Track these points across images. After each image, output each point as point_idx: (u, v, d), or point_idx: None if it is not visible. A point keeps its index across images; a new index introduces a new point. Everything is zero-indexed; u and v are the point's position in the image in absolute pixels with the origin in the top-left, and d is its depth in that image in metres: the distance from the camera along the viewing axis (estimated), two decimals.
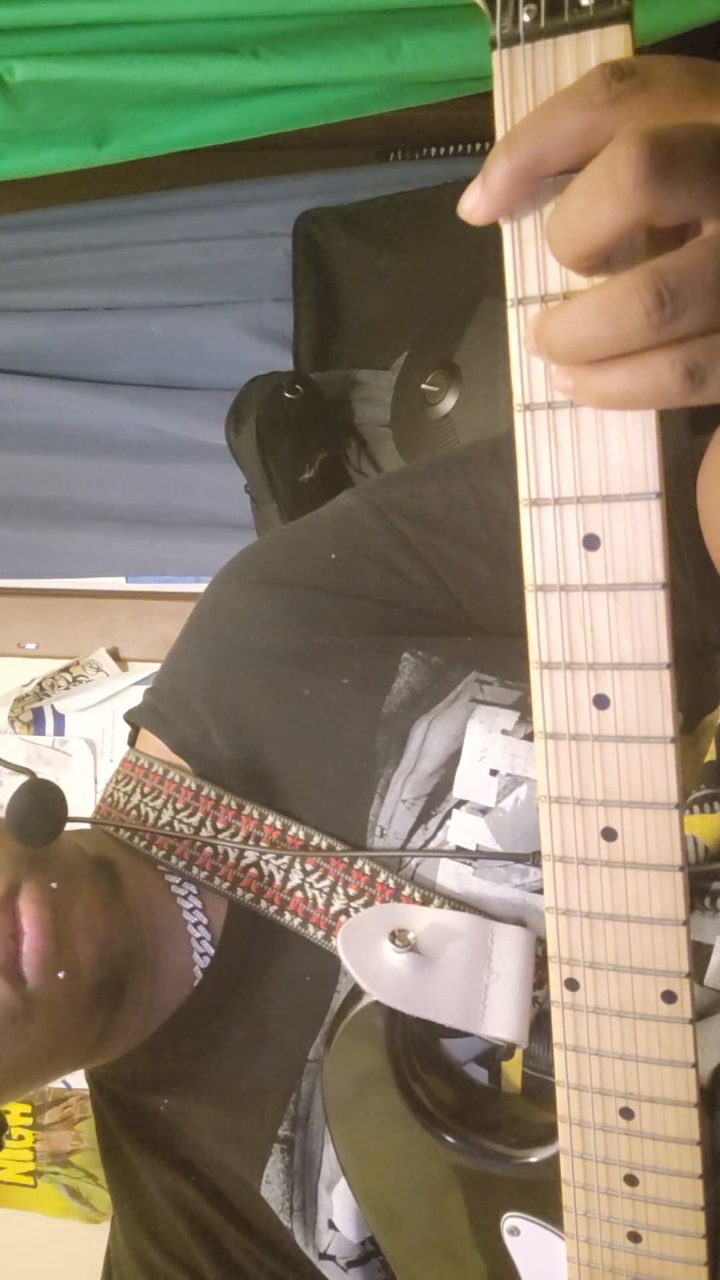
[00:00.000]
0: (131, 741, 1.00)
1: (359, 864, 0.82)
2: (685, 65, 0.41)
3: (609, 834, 0.52)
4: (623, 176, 0.39)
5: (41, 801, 0.81)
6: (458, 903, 0.79)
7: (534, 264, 0.46)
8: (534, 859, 0.76)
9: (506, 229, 0.46)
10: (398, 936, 0.70)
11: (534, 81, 0.44)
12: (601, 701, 0.50)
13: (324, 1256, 0.83)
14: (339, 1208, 0.82)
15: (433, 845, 0.81)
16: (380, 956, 0.70)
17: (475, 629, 0.90)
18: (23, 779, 0.82)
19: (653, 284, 0.40)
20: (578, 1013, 0.58)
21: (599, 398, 0.44)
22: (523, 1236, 0.72)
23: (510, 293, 0.46)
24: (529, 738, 0.79)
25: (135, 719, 0.98)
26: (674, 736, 0.49)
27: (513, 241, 0.46)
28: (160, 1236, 0.89)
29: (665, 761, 0.50)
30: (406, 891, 0.80)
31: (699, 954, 0.72)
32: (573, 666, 0.50)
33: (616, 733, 0.50)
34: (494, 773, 0.79)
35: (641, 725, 0.49)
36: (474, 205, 0.45)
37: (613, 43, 0.42)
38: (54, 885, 0.80)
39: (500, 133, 0.45)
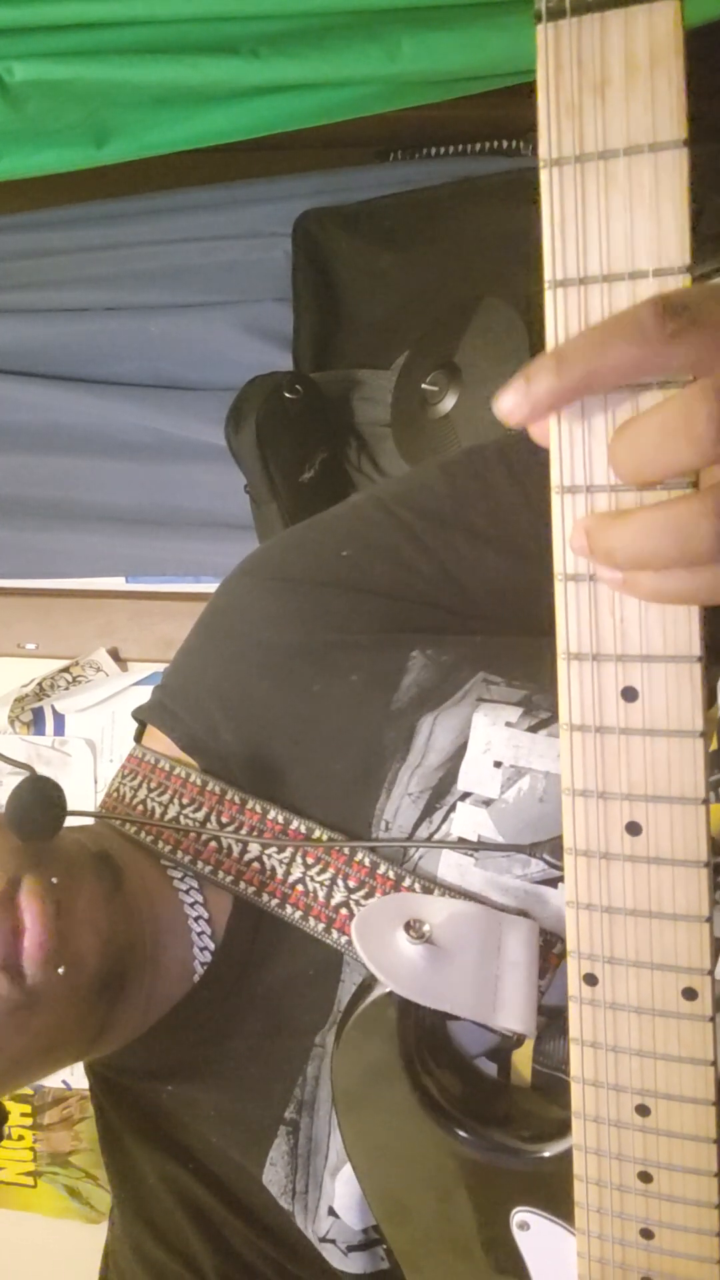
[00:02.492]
0: (138, 737, 1.00)
1: (359, 856, 0.83)
2: None
3: (633, 828, 0.52)
4: (703, 430, 0.41)
5: (42, 797, 0.80)
6: (458, 895, 0.79)
7: (575, 247, 0.45)
8: (534, 850, 0.77)
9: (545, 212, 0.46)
10: (412, 927, 0.70)
11: (579, 57, 0.43)
12: (630, 694, 0.50)
13: (324, 1240, 0.83)
14: (341, 1194, 0.82)
15: (436, 838, 0.81)
16: (395, 948, 0.70)
17: (485, 624, 0.91)
18: (20, 780, 0.82)
19: None
20: (596, 1008, 0.58)
21: (653, 595, 0.46)
22: (533, 1231, 0.72)
23: (549, 274, 0.46)
24: (532, 729, 0.80)
25: (144, 716, 0.98)
26: (703, 730, 0.49)
27: (553, 225, 0.46)
28: (158, 1226, 0.89)
29: (694, 756, 0.49)
30: (407, 883, 0.80)
31: (714, 946, 0.72)
32: (600, 658, 0.50)
33: (644, 726, 0.50)
34: (498, 764, 0.80)
35: (670, 719, 0.49)
36: (513, 408, 0.45)
37: (661, 18, 0.42)
38: (55, 880, 0.80)
39: (543, 107, 0.44)
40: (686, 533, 0.42)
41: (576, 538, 0.47)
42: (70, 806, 0.82)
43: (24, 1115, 2.06)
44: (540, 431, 0.48)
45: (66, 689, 1.97)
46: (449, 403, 1.55)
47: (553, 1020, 0.75)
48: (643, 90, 0.43)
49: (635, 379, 0.44)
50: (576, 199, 0.45)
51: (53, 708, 1.97)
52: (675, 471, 0.44)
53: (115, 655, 2.00)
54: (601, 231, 0.45)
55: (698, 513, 0.42)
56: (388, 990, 0.71)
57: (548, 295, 0.46)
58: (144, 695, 1.01)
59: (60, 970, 0.77)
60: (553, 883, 0.77)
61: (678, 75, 0.42)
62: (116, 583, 1.99)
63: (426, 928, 0.70)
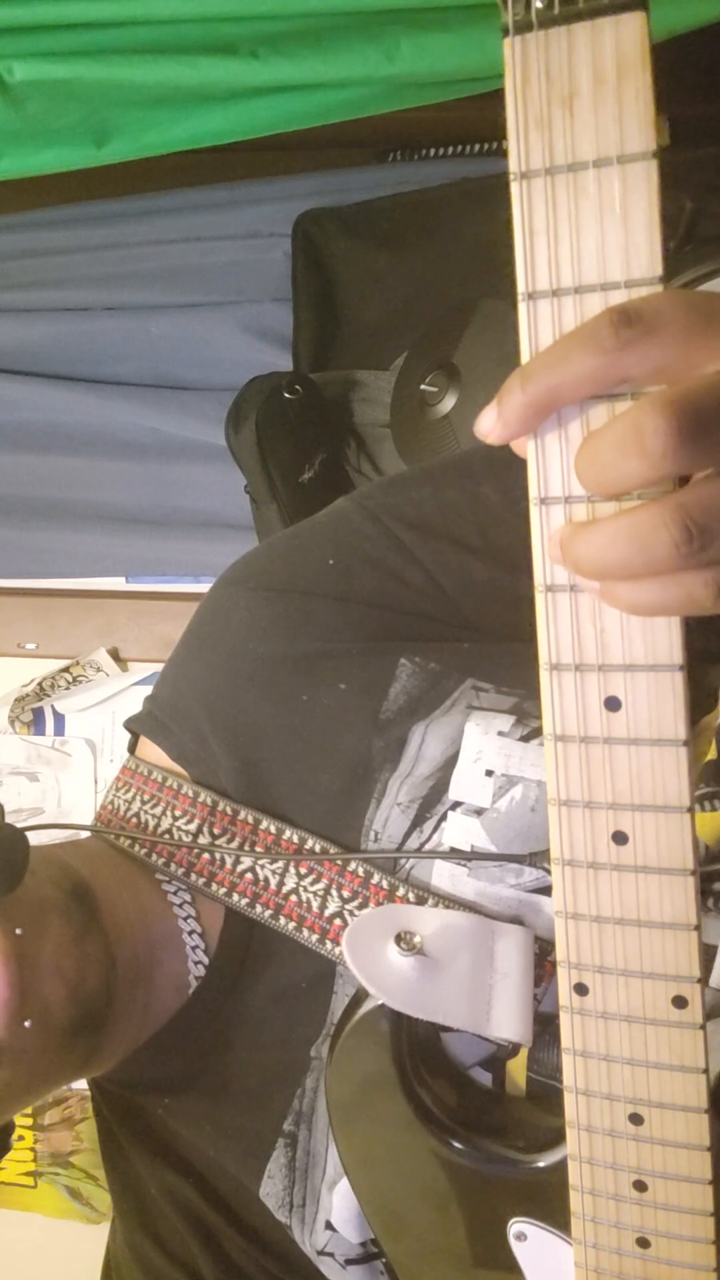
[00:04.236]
0: (132, 748, 1.00)
1: (353, 866, 0.82)
2: (689, 304, 0.43)
3: (619, 837, 0.52)
4: (651, 444, 0.41)
5: (1, 850, 0.78)
6: (452, 903, 0.79)
7: (546, 259, 0.45)
8: (528, 860, 0.76)
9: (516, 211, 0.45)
10: (403, 939, 0.70)
11: (547, 70, 0.43)
12: (613, 703, 0.49)
13: (322, 1254, 0.83)
14: (338, 1208, 0.82)
15: (428, 847, 0.80)
16: (386, 960, 0.70)
17: (473, 633, 0.91)
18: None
19: (680, 519, 0.42)
20: (586, 1018, 0.57)
21: (629, 605, 0.46)
22: (530, 1242, 0.71)
23: (521, 287, 0.46)
24: (524, 739, 0.80)
25: (134, 726, 0.98)
26: (687, 739, 0.48)
27: (524, 237, 0.45)
28: (160, 1236, 0.89)
29: (677, 764, 0.49)
30: (400, 893, 0.80)
31: (704, 955, 0.72)
32: (583, 668, 0.49)
33: (628, 735, 0.50)
34: (489, 773, 0.79)
35: (653, 728, 0.49)
36: (489, 429, 0.46)
37: (628, 30, 0.42)
38: (19, 931, 0.78)
39: (512, 120, 0.44)
40: (646, 541, 0.43)
41: (552, 548, 0.47)
42: (69, 811, 0.81)
43: (24, 1116, 2.06)
44: (521, 447, 0.48)
45: (66, 689, 1.97)
46: (448, 403, 1.55)
47: (546, 1028, 0.74)
48: (611, 103, 0.43)
49: (598, 390, 0.45)
50: (547, 212, 0.45)
51: (53, 708, 1.97)
52: (634, 486, 0.44)
53: (115, 655, 2.00)
54: (573, 244, 0.45)
55: (656, 522, 0.42)
56: (380, 1002, 0.71)
57: (520, 308, 0.46)
58: (144, 695, 1.00)
59: (26, 1024, 0.76)
60: (546, 891, 0.77)
61: (645, 87, 0.42)
62: (116, 583, 1.99)
63: (417, 939, 0.70)
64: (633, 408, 0.42)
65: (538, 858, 0.76)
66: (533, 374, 0.44)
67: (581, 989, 0.57)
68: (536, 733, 0.79)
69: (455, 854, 0.79)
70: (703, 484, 0.43)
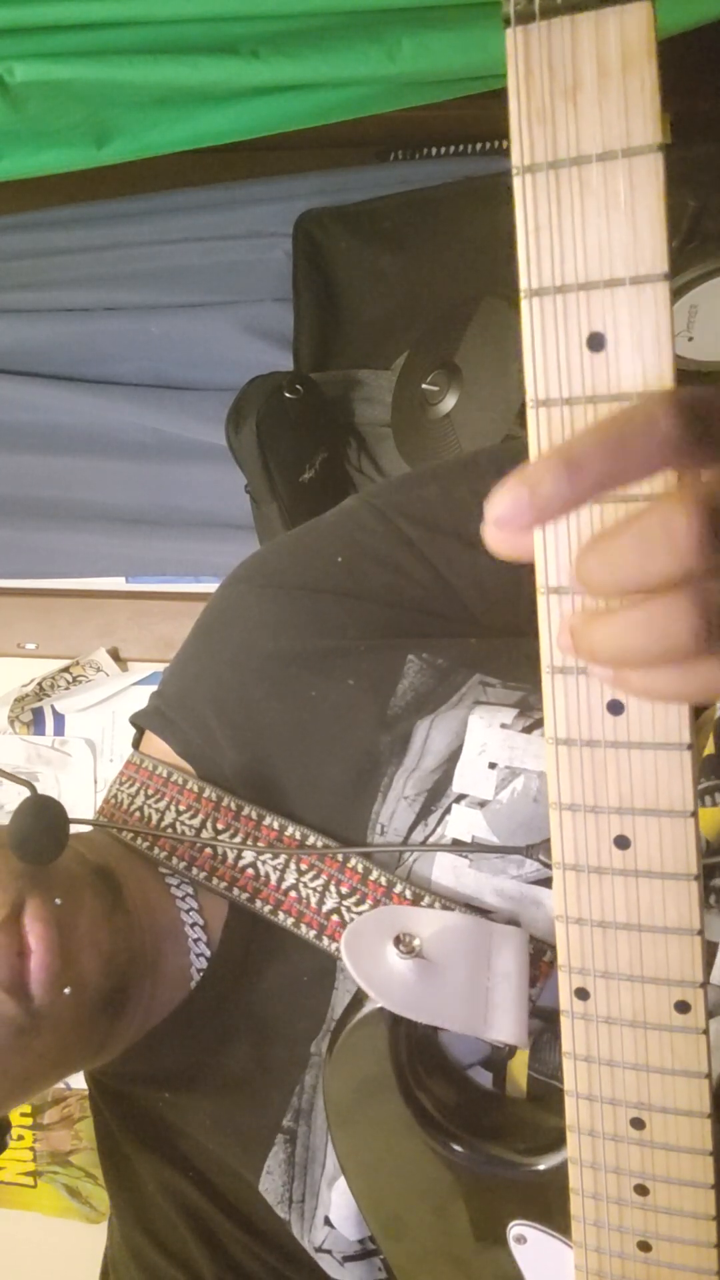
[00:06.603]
0: (136, 743, 1.00)
1: (352, 862, 0.83)
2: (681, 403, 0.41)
3: (622, 842, 0.52)
4: (682, 540, 0.40)
5: (44, 820, 0.81)
6: (450, 899, 0.79)
7: (550, 255, 0.45)
8: (528, 851, 0.76)
9: (520, 220, 0.45)
10: (402, 942, 0.70)
11: (549, 61, 0.42)
12: (615, 706, 0.49)
13: (320, 1250, 0.83)
14: (337, 1205, 0.82)
15: (431, 840, 0.81)
16: (385, 962, 0.70)
17: (480, 629, 0.91)
18: (22, 788, 0.82)
19: (701, 607, 0.41)
20: (588, 1022, 0.57)
21: (646, 693, 0.45)
22: (530, 1245, 0.71)
23: (524, 283, 0.45)
24: (527, 730, 0.80)
25: (141, 722, 0.99)
26: (690, 743, 0.48)
27: (527, 233, 0.45)
28: (158, 1233, 0.89)
29: (681, 768, 0.49)
30: (398, 889, 0.80)
31: (706, 954, 0.71)
32: (585, 671, 0.49)
33: (631, 739, 0.49)
34: (493, 766, 0.80)
35: (657, 731, 0.49)
36: (515, 514, 0.44)
37: (633, 20, 0.41)
38: (58, 901, 0.80)
39: (514, 113, 0.43)
40: (665, 629, 0.42)
41: (563, 637, 0.46)
42: (69, 809, 0.82)
43: (24, 1115, 2.06)
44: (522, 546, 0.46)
45: (66, 689, 1.97)
46: (449, 403, 1.54)
47: (548, 1026, 0.74)
48: (615, 94, 0.42)
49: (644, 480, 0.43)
50: (550, 206, 0.44)
51: (53, 708, 1.97)
52: (654, 584, 0.42)
53: (115, 655, 2.00)
54: (577, 239, 0.44)
55: (676, 610, 0.41)
56: (379, 1005, 0.71)
57: (523, 304, 0.45)
58: (144, 695, 1.01)
59: (66, 991, 0.78)
60: (547, 883, 0.77)
61: (651, 79, 0.41)
62: (116, 583, 1.99)
63: (416, 941, 0.70)
64: (656, 504, 0.41)
65: (535, 849, 0.76)
66: (583, 462, 0.42)
67: (583, 994, 0.57)
68: (538, 724, 0.79)
69: (452, 846, 0.79)
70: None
